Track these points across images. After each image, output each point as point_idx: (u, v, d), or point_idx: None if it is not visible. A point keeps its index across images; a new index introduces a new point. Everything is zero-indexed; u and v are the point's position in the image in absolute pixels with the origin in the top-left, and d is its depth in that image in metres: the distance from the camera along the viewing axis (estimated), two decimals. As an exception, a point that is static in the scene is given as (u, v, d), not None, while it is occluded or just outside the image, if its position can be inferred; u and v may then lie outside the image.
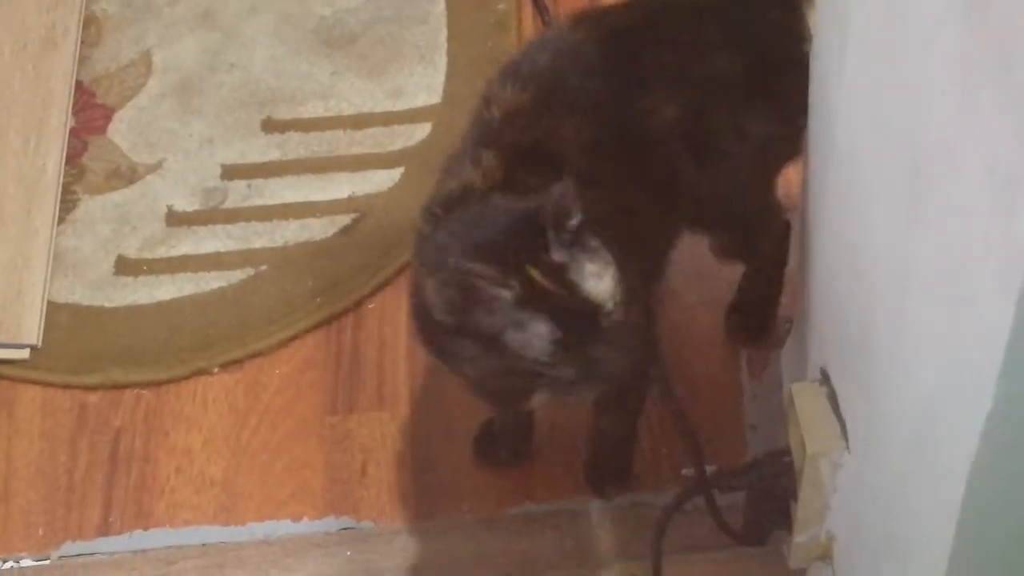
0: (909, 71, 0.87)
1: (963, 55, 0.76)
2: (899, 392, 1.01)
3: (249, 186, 1.81)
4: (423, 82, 1.91)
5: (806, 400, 1.22)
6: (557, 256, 1.16)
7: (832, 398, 1.21)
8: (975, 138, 0.75)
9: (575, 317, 1.15)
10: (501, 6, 1.99)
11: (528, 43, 1.58)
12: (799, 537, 1.26)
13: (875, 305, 1.03)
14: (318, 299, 1.68)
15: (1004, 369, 0.76)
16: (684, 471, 1.50)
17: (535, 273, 1.15)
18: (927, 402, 0.94)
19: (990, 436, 0.81)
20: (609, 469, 1.51)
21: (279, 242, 1.75)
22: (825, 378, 1.23)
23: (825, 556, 1.27)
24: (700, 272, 1.65)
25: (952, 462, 0.86)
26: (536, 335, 1.14)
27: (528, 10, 2.00)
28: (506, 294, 1.14)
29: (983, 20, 0.71)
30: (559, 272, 1.16)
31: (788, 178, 1.50)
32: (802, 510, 1.25)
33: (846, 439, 1.18)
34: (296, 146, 1.85)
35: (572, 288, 1.16)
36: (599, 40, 1.36)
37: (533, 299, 1.14)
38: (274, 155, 1.84)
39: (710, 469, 1.48)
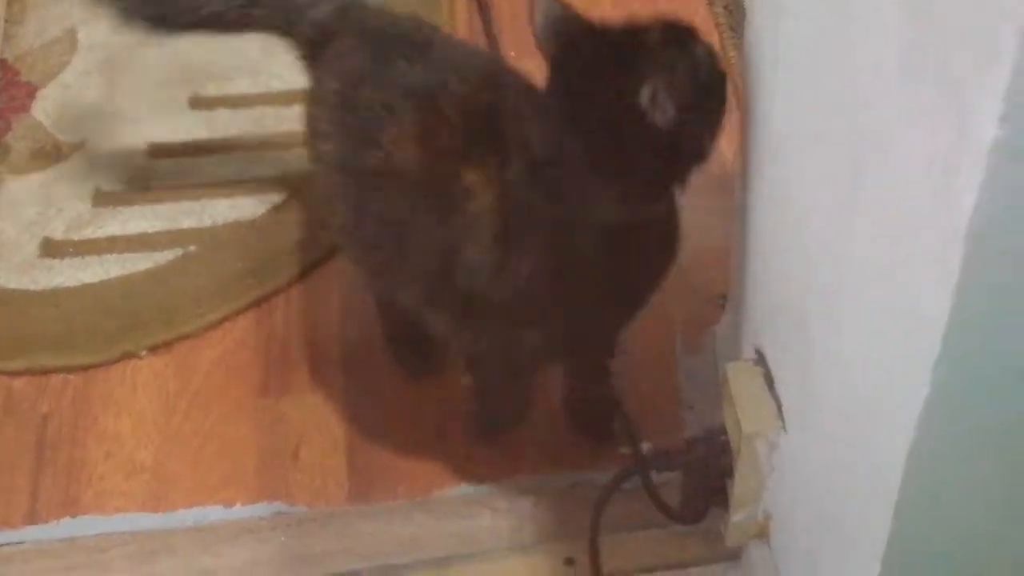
0: (848, 56, 0.87)
1: (902, 45, 0.75)
2: (836, 376, 1.01)
3: (176, 165, 1.78)
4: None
5: (742, 380, 1.22)
6: None
7: (768, 378, 1.21)
8: (914, 127, 0.75)
9: None
10: (432, -23, 1.97)
11: None
12: (736, 516, 1.26)
13: (812, 290, 1.02)
14: (248, 280, 1.66)
15: (941, 356, 0.76)
16: (621, 450, 1.50)
17: None
18: (864, 387, 0.94)
19: (927, 422, 0.81)
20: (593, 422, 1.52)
21: (208, 222, 1.72)
22: (761, 358, 1.23)
23: (762, 535, 1.27)
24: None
25: (890, 447, 0.86)
26: None
27: (460, -17, 1.98)
28: None
29: (925, 13, 0.71)
30: None
31: (724, 155, 1.49)
32: (738, 489, 1.25)
33: (782, 419, 1.18)
34: (225, 124, 1.82)
35: None
36: None
37: None
38: (202, 133, 1.80)
39: (646, 447, 1.49)
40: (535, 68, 1.85)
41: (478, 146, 1.25)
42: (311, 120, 1.37)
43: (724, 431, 1.26)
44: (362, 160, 1.30)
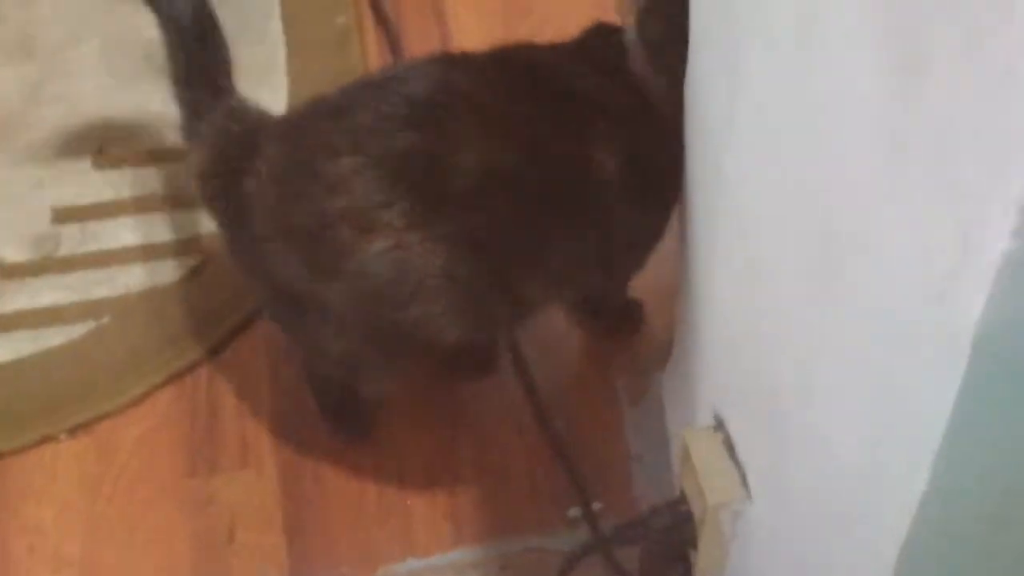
0: (820, 123, 0.81)
1: (889, 132, 0.70)
2: (812, 452, 0.96)
3: (84, 230, 1.68)
4: (265, 106, 1.80)
5: (701, 447, 1.17)
6: None
7: (728, 444, 1.16)
8: (902, 227, 0.70)
9: None
10: (340, 20, 1.90)
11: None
12: (700, 586, 1.22)
13: (781, 367, 0.98)
14: (168, 351, 1.58)
15: (942, 451, 0.72)
16: (570, 512, 1.45)
17: None
18: (846, 468, 0.89)
19: (923, 517, 0.77)
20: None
21: (121, 290, 1.63)
22: (720, 424, 1.18)
23: (728, 605, 1.23)
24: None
25: (878, 540, 0.82)
26: None
27: (369, 23, 1.91)
28: None
29: (916, 103, 0.65)
30: None
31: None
32: (702, 560, 1.20)
33: (747, 488, 1.13)
34: (132, 183, 1.73)
35: None
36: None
37: None
38: (108, 195, 1.72)
39: (597, 507, 1.44)
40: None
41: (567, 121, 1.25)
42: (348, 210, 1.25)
43: (683, 500, 1.21)
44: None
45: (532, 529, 1.45)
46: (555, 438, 1.50)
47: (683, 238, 1.31)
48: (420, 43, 1.89)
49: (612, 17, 1.86)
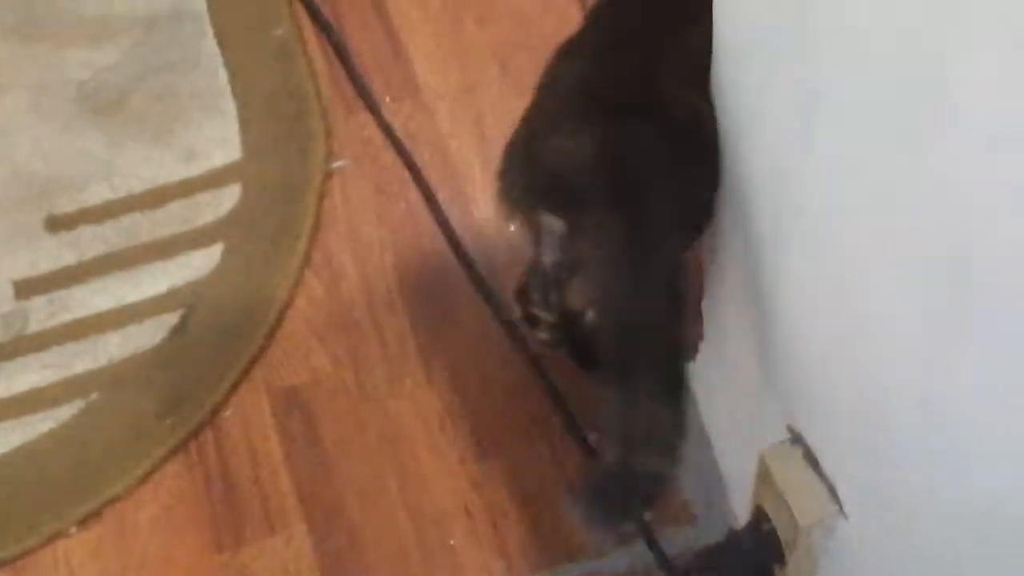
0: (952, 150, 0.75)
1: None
2: (932, 478, 0.90)
3: (51, 301, 1.57)
4: (216, 136, 1.70)
5: (784, 466, 1.11)
6: None
7: (810, 458, 1.10)
8: None
9: None
10: (279, 31, 1.79)
11: None
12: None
13: (894, 397, 0.91)
14: (167, 420, 1.48)
15: None
16: (622, 527, 1.38)
17: None
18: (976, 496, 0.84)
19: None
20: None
21: (104, 361, 1.52)
22: (797, 437, 1.12)
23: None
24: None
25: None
26: None
27: (310, 31, 1.80)
28: None
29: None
30: None
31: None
32: (793, 576, 1.15)
33: (838, 503, 1.08)
34: (91, 242, 1.61)
35: None
36: None
37: None
38: (69, 258, 1.60)
39: (648, 516, 1.38)
40: (413, 108, 1.72)
41: None
42: None
43: (764, 518, 1.15)
44: None
45: (584, 553, 1.39)
46: (590, 452, 1.43)
47: (720, 254, 1.25)
48: (365, 45, 1.79)
49: (562, 7, 1.79)
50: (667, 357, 1.15)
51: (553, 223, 1.20)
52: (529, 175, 1.23)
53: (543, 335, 1.36)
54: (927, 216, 0.78)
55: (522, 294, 1.37)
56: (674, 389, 1.13)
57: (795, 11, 0.83)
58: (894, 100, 0.76)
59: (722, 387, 1.36)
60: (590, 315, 1.23)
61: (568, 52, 1.30)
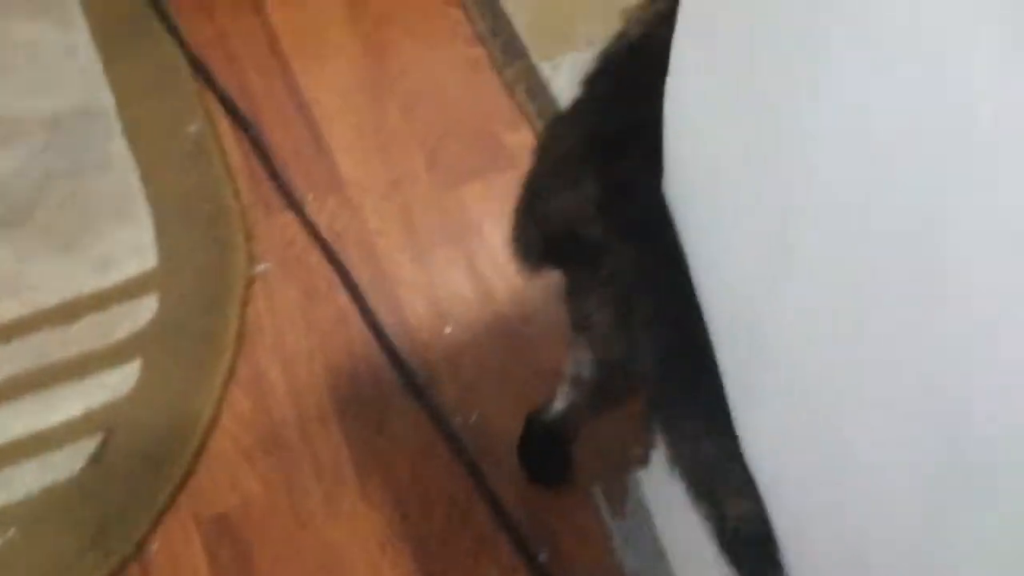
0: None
1: None
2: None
3: (-42, 431, 1.47)
4: (130, 243, 1.61)
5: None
6: None
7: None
8: None
9: None
10: (192, 128, 1.71)
11: None
12: None
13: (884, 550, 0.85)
14: (90, 555, 1.39)
15: None
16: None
17: None
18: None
19: None
20: None
21: (20, 494, 1.43)
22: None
23: None
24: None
25: None
26: None
27: (226, 126, 1.72)
28: None
29: None
30: None
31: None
32: None
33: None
34: (0, 364, 1.52)
35: None
36: None
37: None
38: (-24, 383, 1.50)
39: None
40: (337, 205, 1.64)
41: None
42: None
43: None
44: None
45: None
46: (540, 572, 1.36)
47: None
48: (284, 139, 1.71)
49: (489, 94, 1.73)
50: (705, 383, 1.07)
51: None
52: (538, 234, 1.18)
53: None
54: (909, 375, 0.72)
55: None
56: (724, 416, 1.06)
57: (766, 161, 0.78)
58: (874, 258, 0.71)
59: (681, 506, 1.30)
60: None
61: (562, 116, 1.24)
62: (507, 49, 1.76)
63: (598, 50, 1.26)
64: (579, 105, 1.22)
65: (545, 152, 1.23)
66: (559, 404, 1.35)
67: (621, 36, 1.25)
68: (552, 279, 1.20)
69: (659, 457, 1.33)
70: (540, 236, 1.19)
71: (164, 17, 1.80)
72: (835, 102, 0.68)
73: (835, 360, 0.79)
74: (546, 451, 1.43)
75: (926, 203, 0.66)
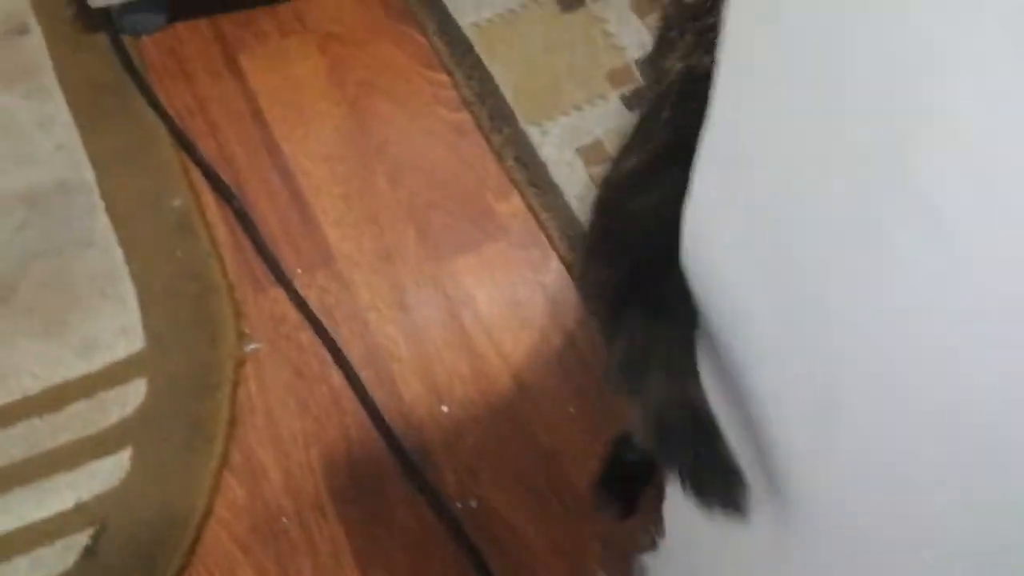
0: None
1: None
2: None
3: (-55, 528, 1.43)
4: (116, 324, 1.57)
5: None
6: None
7: None
8: None
9: None
10: (177, 202, 1.67)
11: None
12: None
13: None
14: (85, 658, 1.35)
15: None
16: None
17: None
18: None
19: None
20: None
21: (10, 594, 1.39)
22: None
23: None
24: (532, 490, 1.44)
25: None
26: None
27: (210, 199, 1.69)
28: None
29: None
30: None
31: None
32: None
33: None
34: (-14, 455, 1.48)
35: None
36: None
37: None
38: (-38, 476, 1.46)
39: None
40: (327, 279, 1.61)
41: None
42: None
43: None
44: None
45: None
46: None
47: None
48: (271, 212, 1.68)
49: (476, 159, 1.70)
50: None
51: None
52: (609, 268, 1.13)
53: None
54: (964, 530, 0.71)
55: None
56: None
57: (812, 311, 0.75)
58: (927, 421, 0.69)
59: (667, 563, 1.28)
60: None
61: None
62: (494, 114, 1.73)
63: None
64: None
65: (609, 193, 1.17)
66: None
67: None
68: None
69: (666, 545, 1.31)
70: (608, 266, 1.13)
71: (142, 85, 1.76)
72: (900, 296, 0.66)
73: (877, 511, 0.77)
74: (628, 478, 1.42)
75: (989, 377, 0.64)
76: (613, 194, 1.13)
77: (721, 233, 0.87)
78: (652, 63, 1.40)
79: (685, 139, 1.08)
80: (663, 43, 1.36)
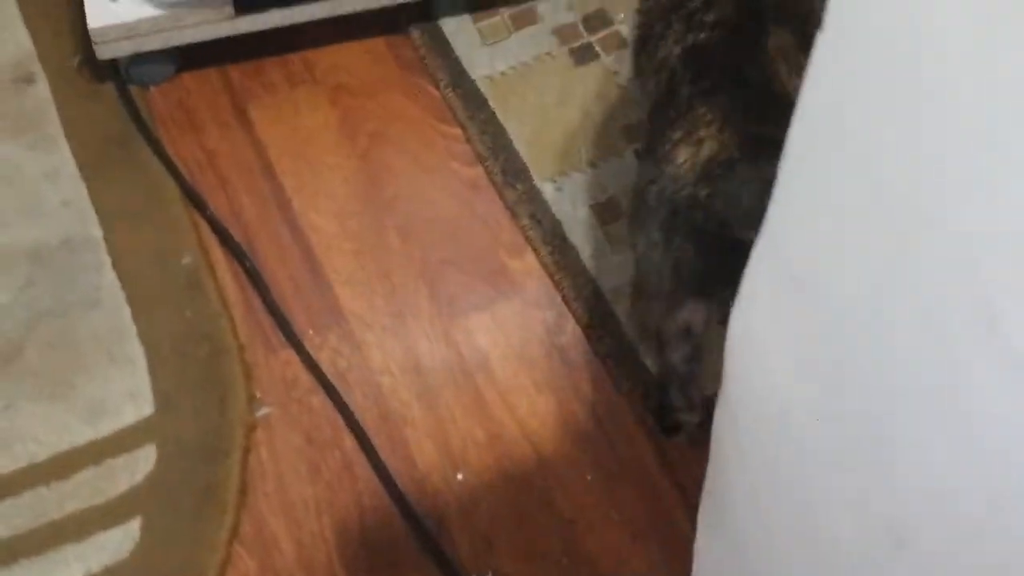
0: None
1: None
2: None
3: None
4: (124, 387, 1.54)
5: None
6: None
7: None
8: None
9: None
10: (186, 260, 1.64)
11: None
12: None
13: None
14: None
15: None
16: None
17: None
18: None
19: None
20: None
21: (18, 672, 1.36)
22: None
23: None
24: (549, 560, 1.41)
25: None
26: None
27: (220, 256, 1.66)
28: None
29: None
30: None
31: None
32: None
33: None
34: (-4, 523, 1.45)
35: None
36: None
37: None
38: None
39: None
40: (339, 340, 1.58)
41: None
42: None
43: None
44: None
45: None
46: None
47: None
48: (281, 270, 1.65)
49: (489, 213, 1.67)
50: None
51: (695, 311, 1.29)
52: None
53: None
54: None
55: (661, 414, 1.45)
56: None
57: (874, 443, 0.73)
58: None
59: None
60: None
61: None
62: (508, 169, 1.70)
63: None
64: None
65: None
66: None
67: None
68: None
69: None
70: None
71: (150, 137, 1.74)
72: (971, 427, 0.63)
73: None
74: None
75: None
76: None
77: (774, 342, 0.85)
78: (638, 58, 1.42)
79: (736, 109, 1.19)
80: (648, 41, 1.38)
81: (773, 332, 0.78)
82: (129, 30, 1.68)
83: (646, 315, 1.42)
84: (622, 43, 1.80)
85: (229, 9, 1.69)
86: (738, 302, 0.87)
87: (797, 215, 0.76)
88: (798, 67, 1.25)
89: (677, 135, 1.25)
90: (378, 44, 1.84)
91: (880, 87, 0.63)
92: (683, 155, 1.24)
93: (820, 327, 0.73)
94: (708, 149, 1.23)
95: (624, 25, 1.82)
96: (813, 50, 0.66)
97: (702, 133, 1.24)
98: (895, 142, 0.63)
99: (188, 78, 1.81)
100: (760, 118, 1.22)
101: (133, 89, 1.78)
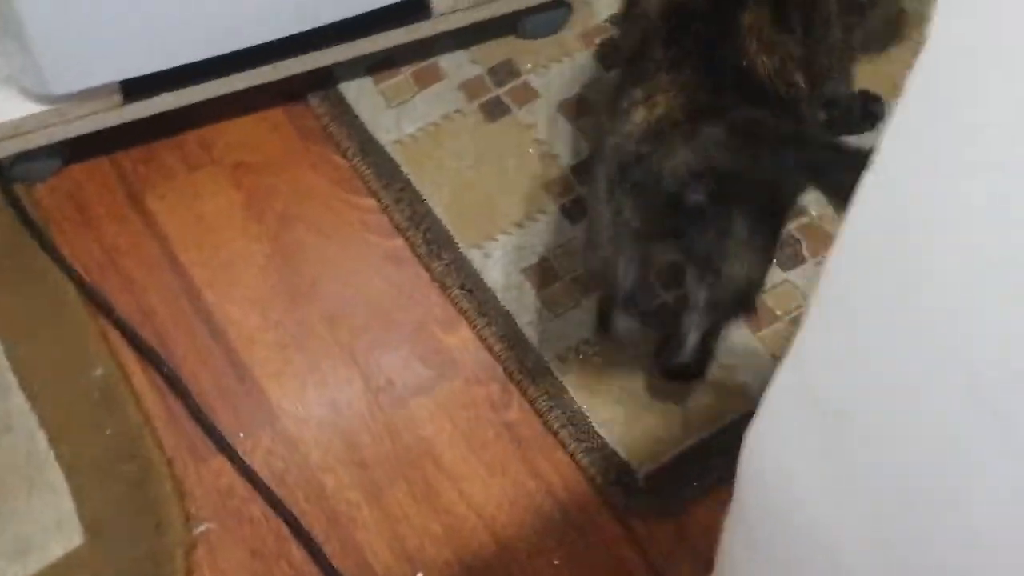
0: None
1: None
2: None
3: None
4: (49, 518, 1.43)
5: None
6: None
7: None
8: None
9: None
10: (98, 372, 1.53)
11: None
12: None
13: None
14: None
15: None
16: None
17: None
18: None
19: None
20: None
21: None
22: None
23: None
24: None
25: None
26: None
27: (134, 364, 1.55)
28: None
29: None
30: None
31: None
32: None
33: None
34: None
35: None
36: None
37: None
38: None
39: None
40: (273, 441, 1.48)
41: None
42: None
43: None
44: None
45: None
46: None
47: None
48: (203, 371, 1.55)
49: (414, 282, 1.59)
50: None
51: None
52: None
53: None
54: None
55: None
56: None
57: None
58: None
59: None
60: None
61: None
62: (431, 239, 1.62)
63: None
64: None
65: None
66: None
67: None
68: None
69: None
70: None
71: (43, 241, 1.62)
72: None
73: None
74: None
75: None
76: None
77: (795, 448, 0.79)
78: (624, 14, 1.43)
79: (696, 81, 1.24)
80: None
81: (797, 435, 0.72)
82: (13, 128, 1.56)
83: (592, 260, 1.38)
84: (532, 94, 1.73)
85: (117, 97, 1.59)
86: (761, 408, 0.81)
87: (832, 345, 0.70)
88: (768, 45, 1.28)
89: (638, 95, 1.29)
90: (276, 115, 1.75)
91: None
92: (639, 115, 1.28)
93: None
94: (658, 111, 1.27)
95: (533, 75, 1.75)
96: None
97: (659, 98, 1.27)
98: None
99: (77, 170, 1.70)
100: (715, 90, 1.27)
101: (18, 188, 1.66)
